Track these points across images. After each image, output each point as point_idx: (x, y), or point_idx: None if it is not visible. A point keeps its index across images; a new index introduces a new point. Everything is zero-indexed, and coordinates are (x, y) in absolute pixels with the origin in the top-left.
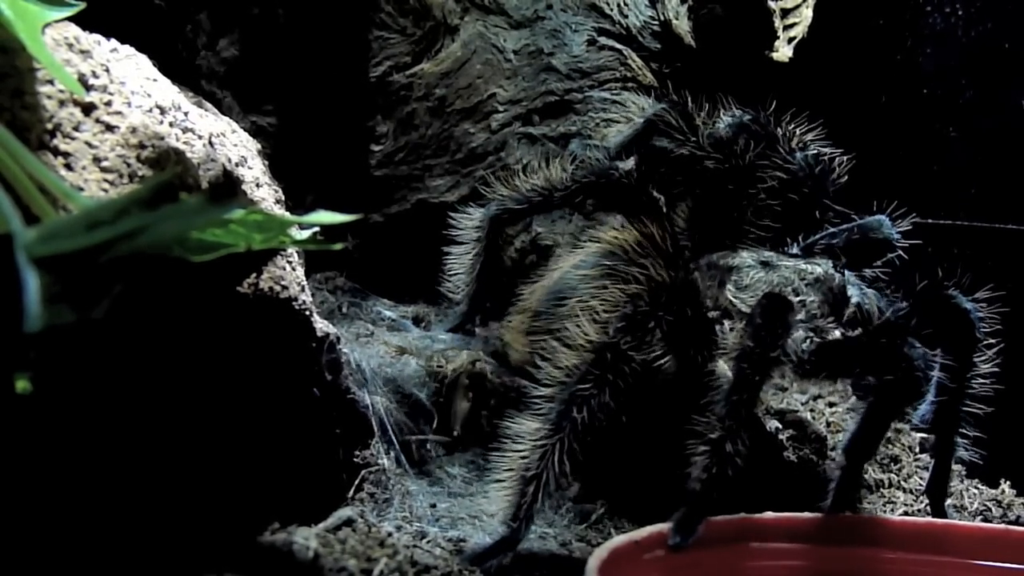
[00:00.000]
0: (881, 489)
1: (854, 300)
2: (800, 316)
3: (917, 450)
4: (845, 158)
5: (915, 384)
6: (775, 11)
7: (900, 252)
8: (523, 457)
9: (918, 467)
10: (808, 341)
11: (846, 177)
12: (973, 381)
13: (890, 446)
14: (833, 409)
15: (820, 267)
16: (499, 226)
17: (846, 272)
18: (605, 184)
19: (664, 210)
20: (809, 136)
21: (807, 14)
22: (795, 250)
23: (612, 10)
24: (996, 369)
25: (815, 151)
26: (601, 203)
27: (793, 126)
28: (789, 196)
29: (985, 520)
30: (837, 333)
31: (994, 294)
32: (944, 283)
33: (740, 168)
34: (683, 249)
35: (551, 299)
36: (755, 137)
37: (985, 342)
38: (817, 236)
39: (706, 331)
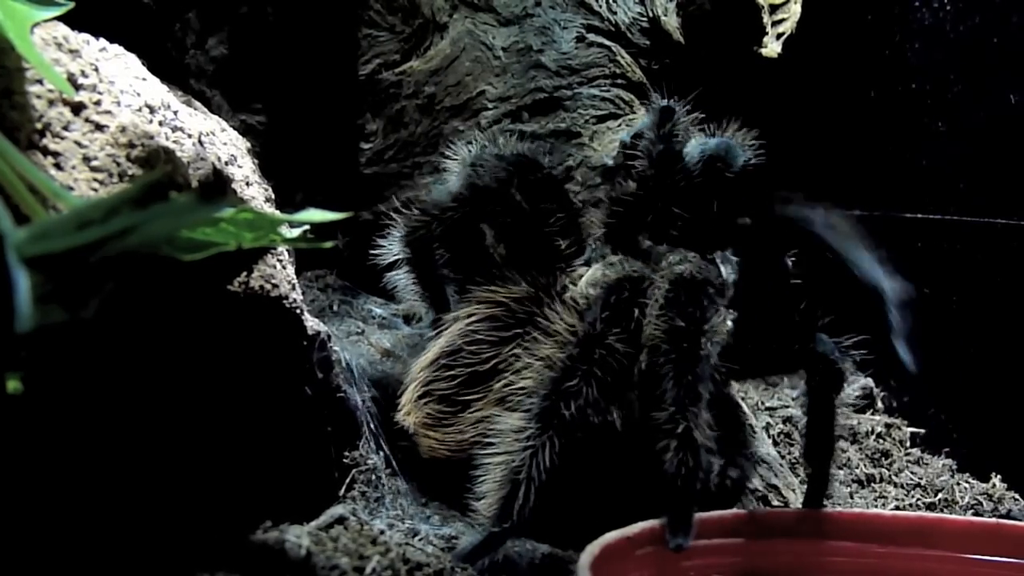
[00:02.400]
0: (872, 484)
1: (730, 280)
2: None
3: (908, 444)
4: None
5: (837, 376)
6: (764, 7)
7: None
8: (510, 455)
9: (909, 462)
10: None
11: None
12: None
13: (881, 441)
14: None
15: (691, 263)
16: (419, 245)
17: (716, 255)
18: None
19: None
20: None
21: (796, 10)
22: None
23: (601, 7)
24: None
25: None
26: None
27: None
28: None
29: (976, 514)
30: (730, 323)
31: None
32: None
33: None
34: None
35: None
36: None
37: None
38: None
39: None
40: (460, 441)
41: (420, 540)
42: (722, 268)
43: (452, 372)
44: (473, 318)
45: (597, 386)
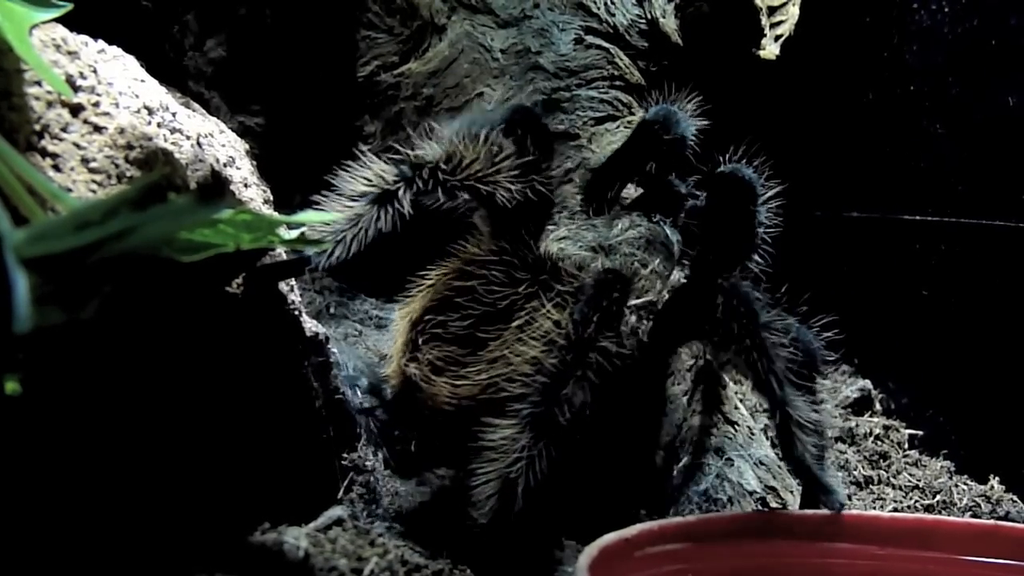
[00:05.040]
0: (870, 485)
1: (676, 242)
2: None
3: (906, 446)
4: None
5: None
6: (762, 9)
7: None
8: (506, 465)
9: (907, 463)
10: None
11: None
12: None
13: (879, 443)
14: (822, 405)
15: (643, 227)
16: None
17: (660, 220)
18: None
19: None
20: None
21: (794, 12)
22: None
23: (599, 9)
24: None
25: None
26: None
27: None
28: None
29: (974, 516)
30: (682, 277)
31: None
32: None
33: None
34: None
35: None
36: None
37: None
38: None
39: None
40: (476, 383)
41: (418, 542)
42: (669, 233)
43: (465, 311)
44: (474, 263)
45: (591, 389)
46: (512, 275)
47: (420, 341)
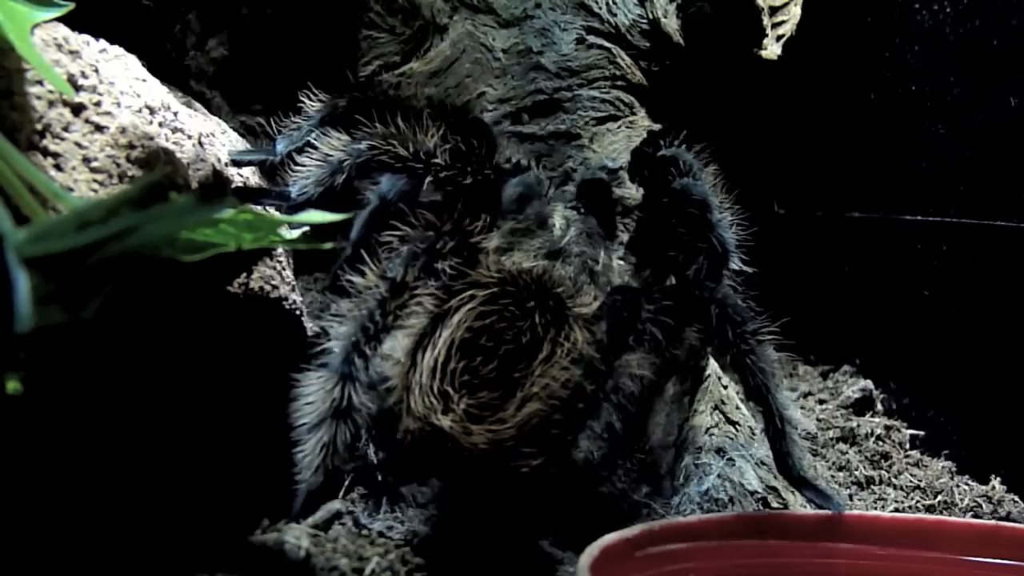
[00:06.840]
0: (871, 486)
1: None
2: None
3: (907, 447)
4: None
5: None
6: (764, 9)
7: None
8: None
9: (908, 464)
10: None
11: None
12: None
13: (880, 443)
14: (823, 406)
15: (581, 222)
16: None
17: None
18: None
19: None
20: None
21: (796, 12)
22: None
23: (601, 8)
24: None
25: None
26: None
27: None
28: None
29: (976, 516)
30: (620, 262)
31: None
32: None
33: None
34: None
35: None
36: None
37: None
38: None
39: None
40: (514, 424)
41: (419, 542)
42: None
43: (491, 355)
44: (480, 299)
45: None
46: (523, 306)
47: (451, 391)
